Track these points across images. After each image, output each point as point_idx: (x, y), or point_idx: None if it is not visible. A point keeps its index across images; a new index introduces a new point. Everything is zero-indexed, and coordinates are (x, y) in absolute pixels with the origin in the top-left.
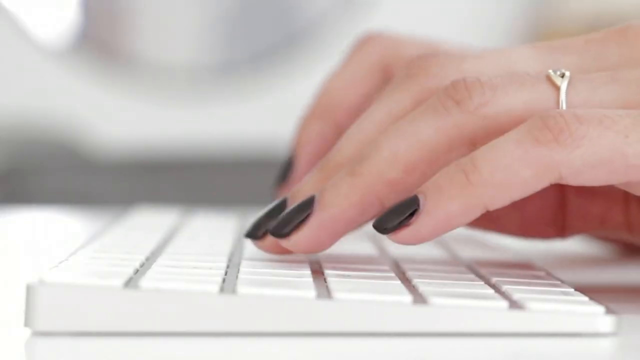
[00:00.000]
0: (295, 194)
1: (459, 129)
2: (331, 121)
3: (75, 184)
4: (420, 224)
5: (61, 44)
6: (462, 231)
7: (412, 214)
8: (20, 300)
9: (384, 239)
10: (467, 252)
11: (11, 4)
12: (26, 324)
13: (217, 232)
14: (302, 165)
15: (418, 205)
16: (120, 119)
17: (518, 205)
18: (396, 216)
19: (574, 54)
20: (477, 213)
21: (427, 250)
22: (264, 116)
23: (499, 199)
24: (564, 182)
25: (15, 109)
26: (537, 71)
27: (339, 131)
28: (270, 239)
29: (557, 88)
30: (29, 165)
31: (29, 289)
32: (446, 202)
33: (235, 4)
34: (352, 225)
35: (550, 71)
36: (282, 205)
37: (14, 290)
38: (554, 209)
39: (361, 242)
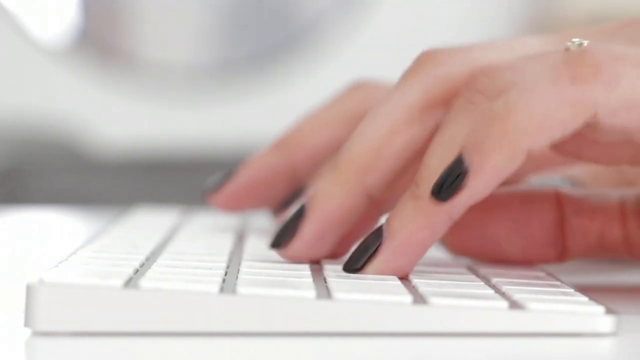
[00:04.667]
0: (313, 199)
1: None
2: (288, 157)
3: (75, 184)
4: (472, 185)
5: (61, 44)
6: None
7: (461, 175)
8: (20, 300)
9: None
10: None
11: (11, 4)
12: (26, 324)
13: (217, 232)
14: (237, 184)
15: (465, 166)
16: (120, 118)
17: (519, 228)
18: (448, 183)
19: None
20: (522, 158)
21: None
22: (264, 116)
23: (539, 142)
24: (596, 121)
25: (15, 109)
26: None
27: (292, 168)
28: (295, 245)
29: None
30: (29, 165)
31: (29, 289)
32: (490, 157)
33: (235, 4)
34: (426, 246)
35: (569, 42)
36: (302, 210)
37: (14, 290)
38: (554, 229)
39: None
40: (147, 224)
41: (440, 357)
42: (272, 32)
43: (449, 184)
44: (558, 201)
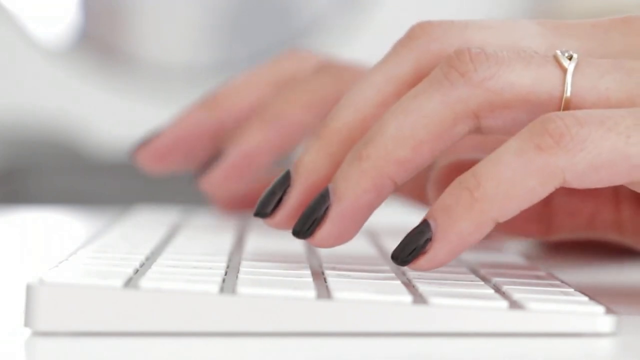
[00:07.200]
0: (298, 168)
1: (463, 103)
2: (214, 116)
3: (75, 184)
4: (436, 250)
5: (61, 44)
6: None
7: (426, 241)
8: (20, 300)
9: (384, 238)
10: (468, 253)
11: (11, 4)
12: (26, 324)
13: (217, 232)
14: (163, 141)
15: (431, 231)
16: (120, 119)
17: None
18: (411, 246)
19: (581, 37)
20: (488, 228)
21: None
22: None
23: (508, 211)
24: (568, 185)
25: (15, 109)
26: (542, 49)
27: (218, 127)
28: (280, 214)
29: (564, 70)
30: (29, 165)
31: (29, 289)
32: (457, 224)
33: (234, 4)
34: (371, 209)
35: (558, 52)
36: (286, 178)
37: (14, 290)
38: (539, 206)
39: (361, 242)
40: (147, 224)
41: (440, 357)
42: (272, 32)
43: (410, 249)
44: None
